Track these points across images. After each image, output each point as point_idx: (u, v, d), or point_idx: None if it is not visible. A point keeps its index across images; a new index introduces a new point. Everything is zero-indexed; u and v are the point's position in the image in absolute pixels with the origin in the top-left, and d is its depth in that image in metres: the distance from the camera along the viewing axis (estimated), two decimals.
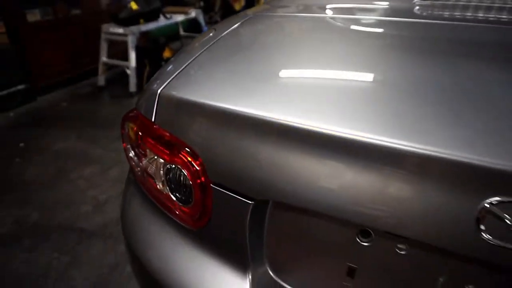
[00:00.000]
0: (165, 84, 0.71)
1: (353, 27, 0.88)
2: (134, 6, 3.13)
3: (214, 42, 0.90)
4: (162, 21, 3.56)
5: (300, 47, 0.81)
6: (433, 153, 0.45)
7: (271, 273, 0.65)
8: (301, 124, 0.53)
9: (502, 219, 0.42)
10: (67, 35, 3.40)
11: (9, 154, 2.41)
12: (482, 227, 0.43)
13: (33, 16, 3.13)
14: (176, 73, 0.75)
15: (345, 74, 0.67)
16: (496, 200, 0.42)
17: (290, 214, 0.60)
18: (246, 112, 0.57)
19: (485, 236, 0.43)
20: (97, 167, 2.25)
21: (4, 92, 2.98)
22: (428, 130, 0.48)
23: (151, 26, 3.40)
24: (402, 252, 0.54)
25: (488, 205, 0.43)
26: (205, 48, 0.85)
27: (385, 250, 0.55)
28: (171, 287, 0.69)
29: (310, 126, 0.52)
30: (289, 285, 0.64)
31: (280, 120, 0.54)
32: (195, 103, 0.64)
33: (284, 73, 0.69)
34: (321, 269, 0.62)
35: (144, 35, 3.43)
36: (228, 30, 0.96)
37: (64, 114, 3.07)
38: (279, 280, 0.65)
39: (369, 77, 0.64)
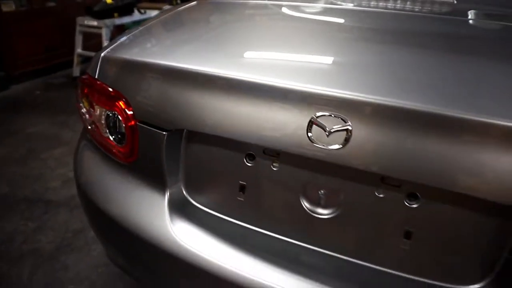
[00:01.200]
0: (107, 50, 0.89)
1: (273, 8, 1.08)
2: (108, 0, 3.27)
3: (156, 20, 1.08)
4: (136, 16, 3.70)
5: (223, 22, 0.99)
6: (280, 85, 0.63)
7: (184, 192, 0.82)
8: (205, 70, 0.71)
9: (321, 127, 0.61)
10: (42, 26, 3.50)
11: None
12: (310, 134, 0.62)
13: (8, 6, 3.22)
14: (117, 42, 0.93)
15: (251, 36, 0.86)
16: (317, 115, 0.61)
17: (199, 143, 0.78)
18: (165, 64, 0.75)
19: (318, 144, 0.62)
20: (67, 148, 2.38)
21: None
22: (279, 71, 0.67)
23: (126, 20, 3.54)
24: (275, 169, 0.72)
25: (313, 118, 0.61)
26: (144, 25, 1.04)
27: (264, 168, 0.73)
28: (110, 210, 0.86)
29: (212, 71, 0.70)
30: (197, 201, 0.82)
31: (192, 68, 0.72)
32: (126, 60, 0.81)
33: (201, 37, 0.88)
34: (221, 188, 0.80)
35: (118, 28, 3.56)
36: (171, 12, 1.15)
37: (38, 101, 3.17)
38: (189, 198, 0.82)
39: (270, 39, 0.84)
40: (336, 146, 0.60)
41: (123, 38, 0.96)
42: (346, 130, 0.60)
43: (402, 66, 0.70)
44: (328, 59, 0.74)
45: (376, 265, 0.68)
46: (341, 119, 0.60)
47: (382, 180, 0.64)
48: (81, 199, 0.98)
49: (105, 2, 3.27)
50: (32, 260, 1.53)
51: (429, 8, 1.09)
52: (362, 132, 0.59)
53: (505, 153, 0.53)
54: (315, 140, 0.61)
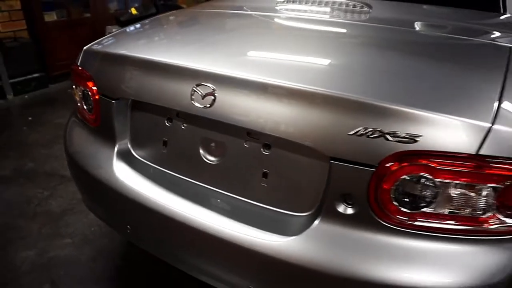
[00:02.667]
0: (89, 45, 1.21)
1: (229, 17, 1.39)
2: (134, 11, 3.71)
3: (140, 24, 1.41)
4: None
5: (177, 25, 1.30)
6: (179, 64, 0.92)
7: (129, 146, 1.12)
8: (140, 56, 1.01)
9: (198, 92, 0.88)
10: (78, 34, 4.00)
11: (19, 124, 2.98)
12: (193, 96, 0.89)
13: (50, 16, 3.74)
14: (100, 39, 1.26)
15: (185, 34, 1.17)
16: (196, 84, 0.89)
17: (139, 110, 1.08)
18: (117, 53, 1.06)
19: (194, 103, 0.89)
20: None
21: (23, 78, 3.57)
22: (184, 56, 0.96)
23: None
24: (183, 127, 1.00)
25: (195, 87, 0.89)
26: (130, 27, 1.37)
27: (177, 127, 1.01)
28: (81, 160, 1.17)
29: (144, 57, 1.00)
30: (136, 153, 1.11)
31: (133, 55, 1.02)
32: (95, 51, 1.14)
33: (153, 34, 1.20)
34: (152, 143, 1.08)
35: None
36: (157, 16, 1.49)
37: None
38: (132, 150, 1.11)
39: (197, 37, 1.14)
40: (208, 105, 0.87)
41: (105, 37, 1.29)
42: (213, 94, 0.87)
43: (273, 53, 0.97)
44: (221, 48, 1.03)
45: (244, 198, 0.94)
46: (210, 87, 0.87)
47: (248, 134, 0.90)
48: (66, 156, 1.30)
49: (131, 12, 3.72)
50: (42, 219, 1.88)
51: (346, 16, 1.35)
52: (224, 96, 0.86)
53: (323, 116, 0.78)
54: (196, 102, 0.89)
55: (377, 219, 0.77)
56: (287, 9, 1.46)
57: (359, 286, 0.76)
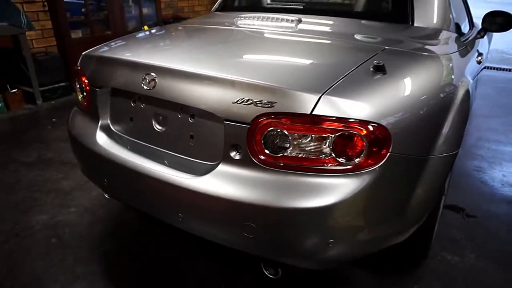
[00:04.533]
0: (87, 51, 1.65)
1: (196, 30, 1.81)
2: (146, 28, 4.24)
3: (129, 36, 1.86)
4: None
5: (170, 38, 1.74)
6: (136, 60, 1.33)
7: (109, 123, 1.53)
8: (116, 57, 1.43)
9: (146, 80, 1.29)
10: None
11: (45, 124, 3.50)
12: (143, 82, 1.29)
13: (76, 34, 4.33)
14: (96, 47, 1.70)
15: (157, 43, 1.59)
16: (145, 73, 1.29)
17: (117, 95, 1.49)
18: (101, 55, 1.49)
19: (143, 86, 1.29)
20: None
21: (51, 86, 4.15)
22: (144, 55, 1.38)
23: None
24: (142, 106, 1.40)
25: (144, 75, 1.29)
26: (122, 38, 1.81)
27: (138, 107, 1.42)
28: (77, 136, 1.59)
29: (118, 57, 1.42)
30: (114, 127, 1.52)
31: (112, 56, 1.45)
32: (89, 54, 1.57)
33: (135, 43, 1.62)
34: (124, 120, 1.49)
35: None
36: (150, 30, 1.94)
37: None
38: (111, 126, 1.52)
39: (163, 45, 1.56)
40: (151, 88, 1.28)
41: (100, 45, 1.73)
42: (154, 80, 1.27)
43: (204, 52, 1.37)
44: (169, 49, 1.45)
45: (179, 154, 1.32)
46: (153, 75, 1.27)
47: (181, 108, 1.29)
48: (68, 135, 1.73)
49: (144, 29, 4.26)
50: (55, 194, 2.33)
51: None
52: (163, 81, 1.26)
53: (220, 92, 1.16)
54: (144, 86, 1.29)
55: (255, 161, 1.13)
56: (239, 23, 1.87)
57: (245, 207, 1.11)
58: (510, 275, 1.71)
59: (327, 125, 1.06)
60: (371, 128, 1.07)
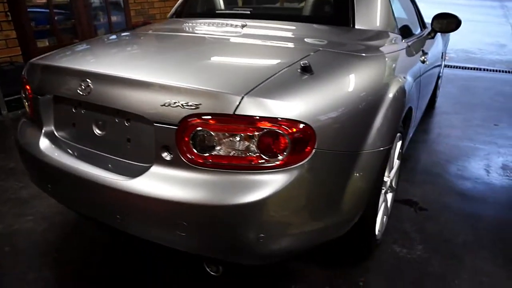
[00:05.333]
0: (33, 59, 1.66)
1: (152, 37, 1.83)
2: None
3: (79, 43, 1.87)
4: None
5: (121, 44, 1.75)
6: (74, 68, 1.36)
7: (53, 129, 1.54)
8: (56, 64, 1.45)
9: (81, 85, 1.31)
10: None
11: (9, 134, 3.47)
12: (80, 88, 1.32)
13: (43, 43, 4.30)
14: (42, 55, 1.71)
15: (105, 50, 1.61)
16: (82, 79, 1.31)
17: (59, 102, 1.51)
18: (42, 63, 1.51)
19: (80, 92, 1.32)
20: None
21: (17, 96, 4.10)
22: (83, 63, 1.40)
23: None
24: (83, 112, 1.42)
25: (80, 82, 1.31)
26: (73, 45, 1.82)
27: (79, 113, 1.43)
28: (23, 144, 1.59)
29: (59, 65, 1.44)
30: (58, 133, 1.53)
31: (54, 64, 1.47)
32: (32, 63, 1.58)
33: (81, 49, 1.64)
34: (67, 125, 1.51)
35: None
36: (103, 36, 1.96)
37: None
38: (55, 132, 1.54)
39: (112, 53, 1.58)
40: (87, 93, 1.30)
41: (46, 54, 1.75)
42: (89, 85, 1.29)
43: (140, 58, 1.40)
44: (107, 56, 1.47)
45: (120, 157, 1.34)
46: (88, 81, 1.30)
47: (117, 113, 1.32)
48: (16, 144, 1.73)
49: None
50: (13, 203, 2.32)
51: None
52: (98, 87, 1.29)
53: (149, 95, 1.19)
54: (80, 92, 1.32)
55: (185, 161, 1.16)
56: (187, 29, 1.91)
57: (176, 206, 1.14)
58: (450, 263, 1.79)
59: (250, 125, 1.11)
60: (293, 126, 1.12)
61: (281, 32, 1.78)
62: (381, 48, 1.68)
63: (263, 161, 1.14)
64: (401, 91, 1.57)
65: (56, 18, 4.48)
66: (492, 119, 3.71)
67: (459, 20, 2.45)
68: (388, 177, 1.76)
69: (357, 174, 1.33)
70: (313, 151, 1.16)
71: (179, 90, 1.15)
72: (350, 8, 1.82)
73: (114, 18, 5.18)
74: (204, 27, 1.88)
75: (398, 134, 1.73)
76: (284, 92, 1.17)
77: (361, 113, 1.33)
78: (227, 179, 1.14)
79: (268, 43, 1.61)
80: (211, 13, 2.26)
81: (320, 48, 1.50)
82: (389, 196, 1.97)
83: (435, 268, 1.76)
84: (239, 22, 1.88)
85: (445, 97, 4.36)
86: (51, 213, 2.20)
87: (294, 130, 1.12)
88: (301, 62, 1.26)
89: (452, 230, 2.04)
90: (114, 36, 1.99)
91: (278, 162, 1.14)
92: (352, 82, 1.36)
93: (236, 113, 1.09)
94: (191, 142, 1.15)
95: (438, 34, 3.24)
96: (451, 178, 2.60)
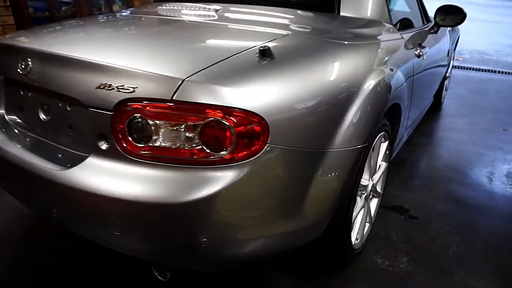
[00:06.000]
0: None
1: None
2: None
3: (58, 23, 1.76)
4: None
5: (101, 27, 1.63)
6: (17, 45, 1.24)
7: (4, 113, 1.43)
8: (12, 43, 1.33)
9: (22, 65, 1.19)
10: None
11: None
12: (20, 68, 1.20)
13: None
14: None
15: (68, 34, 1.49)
16: (23, 57, 1.19)
17: (9, 85, 1.40)
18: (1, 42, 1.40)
19: (20, 71, 1.20)
20: None
21: None
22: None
23: None
24: (29, 94, 1.31)
25: (21, 60, 1.20)
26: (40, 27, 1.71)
27: (27, 96, 1.32)
28: None
29: (5, 42, 1.33)
30: (9, 119, 1.41)
31: (8, 43, 1.35)
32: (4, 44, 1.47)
33: (37, 30, 1.52)
34: (16, 110, 1.39)
35: None
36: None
37: None
38: (6, 116, 1.42)
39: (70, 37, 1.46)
40: (26, 73, 1.18)
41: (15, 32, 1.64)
42: (28, 65, 1.17)
43: (96, 40, 1.27)
44: (58, 35, 1.35)
45: (62, 145, 1.22)
46: (28, 59, 1.18)
47: (61, 97, 1.19)
48: None
49: None
50: None
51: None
52: (36, 66, 1.17)
53: (86, 77, 1.06)
54: (20, 72, 1.20)
55: (121, 151, 1.03)
56: (162, 12, 1.78)
57: (110, 201, 1.02)
58: (436, 278, 1.62)
59: (190, 113, 0.97)
60: (240, 116, 0.97)
61: (254, 16, 1.63)
62: (365, 36, 1.52)
63: (206, 155, 1.00)
64: (384, 84, 1.41)
65: (55, 5, 4.41)
66: (501, 123, 3.48)
67: (464, 13, 2.26)
68: (369, 181, 1.60)
69: (323, 175, 1.18)
70: (266, 146, 1.02)
71: (114, 70, 1.02)
72: None
73: (116, 7, 5.09)
74: (177, 11, 1.75)
75: (382, 133, 1.57)
76: (234, 77, 1.02)
77: (330, 105, 1.18)
78: (165, 174, 1.01)
79: (236, 26, 1.46)
80: None
81: (290, 32, 1.35)
82: (373, 202, 1.80)
83: (418, 283, 1.59)
84: (217, 6, 1.74)
85: (453, 99, 4.14)
86: (20, 204, 2.11)
87: (241, 121, 0.97)
88: (260, 46, 1.11)
89: (442, 241, 1.86)
90: (88, 19, 1.87)
91: (220, 158, 0.99)
92: (321, 70, 1.21)
93: (174, 98, 0.96)
94: (127, 130, 1.02)
95: (446, 31, 3.04)
96: (448, 184, 2.41)
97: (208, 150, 0.99)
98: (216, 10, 1.68)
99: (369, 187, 1.61)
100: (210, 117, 0.97)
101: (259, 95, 1.01)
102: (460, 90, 4.52)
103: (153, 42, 1.27)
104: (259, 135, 1.00)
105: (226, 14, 1.65)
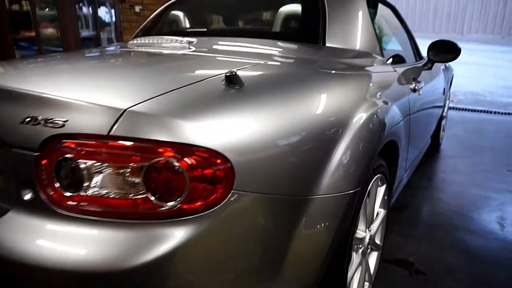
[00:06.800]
0: None
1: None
2: None
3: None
4: None
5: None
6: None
7: None
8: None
9: None
10: None
11: None
12: None
13: None
14: None
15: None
16: None
17: None
18: None
19: None
20: None
21: None
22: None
23: None
24: None
25: None
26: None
27: None
28: None
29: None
30: None
31: None
32: None
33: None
34: None
35: None
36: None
37: None
38: None
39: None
40: None
41: None
42: None
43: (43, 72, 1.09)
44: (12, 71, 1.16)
45: None
46: None
47: None
48: None
49: None
50: None
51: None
52: None
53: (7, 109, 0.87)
54: None
55: (48, 203, 0.81)
56: (134, 46, 1.63)
57: (32, 269, 0.78)
58: None
59: (130, 151, 0.76)
60: (196, 156, 0.77)
61: (230, 47, 1.48)
62: (354, 67, 1.36)
63: (152, 206, 0.78)
64: (377, 119, 1.22)
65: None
66: (504, 164, 3.28)
67: (458, 48, 2.14)
68: (366, 232, 1.36)
69: (308, 228, 0.95)
70: (231, 194, 0.80)
71: (41, 100, 0.82)
72: (321, 24, 1.52)
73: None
74: (149, 44, 1.60)
75: (379, 175, 1.35)
76: (192, 107, 0.83)
77: (314, 142, 0.97)
78: (98, 233, 0.78)
79: (207, 55, 1.30)
80: (176, 31, 1.98)
81: (266, 61, 1.18)
82: (372, 256, 1.55)
83: None
84: (193, 38, 1.59)
85: (452, 140, 3.98)
86: None
87: (198, 162, 0.77)
88: (227, 72, 0.93)
89: None
90: (49, 55, 1.71)
91: (172, 209, 0.77)
92: (304, 102, 1.02)
93: (112, 133, 0.76)
94: (55, 175, 0.80)
95: (440, 69, 2.94)
96: (455, 232, 2.16)
97: (154, 200, 0.77)
98: (190, 42, 1.53)
99: (367, 240, 1.37)
100: (157, 157, 0.76)
101: (222, 130, 0.81)
102: (458, 131, 4.37)
103: (103, 73, 1.09)
104: (222, 180, 0.79)
105: (202, 45, 1.50)
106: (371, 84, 1.34)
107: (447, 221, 2.28)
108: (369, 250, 1.45)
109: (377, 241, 1.55)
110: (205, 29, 1.74)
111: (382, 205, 1.53)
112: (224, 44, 1.52)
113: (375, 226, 1.46)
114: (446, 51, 2.17)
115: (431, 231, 2.17)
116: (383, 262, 1.82)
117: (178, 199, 0.77)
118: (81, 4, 4.87)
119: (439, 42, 2.19)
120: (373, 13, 1.81)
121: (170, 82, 0.95)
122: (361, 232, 1.31)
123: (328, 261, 1.04)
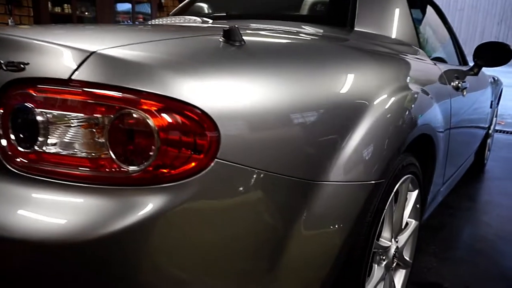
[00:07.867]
0: None
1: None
2: None
3: None
4: None
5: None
6: None
7: None
8: None
9: None
10: None
11: None
12: None
13: None
14: None
15: None
16: None
17: None
18: None
19: None
20: None
21: None
22: None
23: None
24: None
25: None
26: None
27: None
28: None
29: None
30: None
31: None
32: None
33: None
34: None
35: None
36: None
37: None
38: None
39: None
40: None
41: None
42: None
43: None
44: None
45: None
46: None
47: None
48: None
49: None
50: None
51: None
52: None
53: None
54: None
55: (4, 162, 0.69)
56: (162, 21, 1.53)
57: None
58: None
59: (94, 100, 0.63)
60: (170, 110, 0.62)
61: (250, 24, 1.34)
62: (386, 48, 1.18)
63: (117, 168, 0.63)
64: (408, 104, 1.03)
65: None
66: None
67: (510, 50, 1.89)
68: (392, 242, 1.14)
69: (312, 223, 0.77)
70: (214, 163, 0.64)
71: (3, 42, 0.71)
72: (351, 6, 1.36)
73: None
74: (175, 21, 1.50)
75: (409, 176, 1.14)
76: (177, 57, 0.69)
77: (330, 120, 0.80)
78: (54, 197, 0.64)
79: (215, 26, 1.17)
80: (207, 13, 1.89)
81: (280, 32, 1.03)
82: (399, 274, 1.31)
83: None
84: (215, 20, 1.48)
85: (498, 162, 3.61)
86: None
87: (174, 122, 0.62)
88: (224, 27, 0.78)
89: None
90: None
91: (141, 174, 0.63)
92: (323, 74, 0.85)
93: (74, 77, 0.63)
94: (11, 127, 0.68)
95: (488, 80, 2.67)
96: (500, 258, 1.86)
97: (118, 162, 0.63)
98: (207, 21, 1.41)
99: (392, 251, 1.15)
100: (126, 109, 0.62)
101: (213, 89, 0.66)
102: (506, 154, 3.98)
103: (86, 29, 0.97)
104: (204, 145, 0.63)
105: (219, 23, 1.38)
106: (404, 67, 1.15)
107: (492, 247, 1.98)
108: (395, 265, 1.22)
109: (406, 257, 1.32)
110: (225, 13, 1.63)
111: (413, 215, 1.31)
112: (243, 24, 1.40)
113: (403, 237, 1.24)
114: (495, 53, 1.92)
115: (472, 256, 1.88)
116: (412, 285, 1.57)
117: (144, 163, 0.62)
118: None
119: (487, 44, 1.95)
120: (412, 6, 1.63)
121: (160, 36, 0.82)
122: (385, 240, 1.10)
123: (337, 269, 0.84)
